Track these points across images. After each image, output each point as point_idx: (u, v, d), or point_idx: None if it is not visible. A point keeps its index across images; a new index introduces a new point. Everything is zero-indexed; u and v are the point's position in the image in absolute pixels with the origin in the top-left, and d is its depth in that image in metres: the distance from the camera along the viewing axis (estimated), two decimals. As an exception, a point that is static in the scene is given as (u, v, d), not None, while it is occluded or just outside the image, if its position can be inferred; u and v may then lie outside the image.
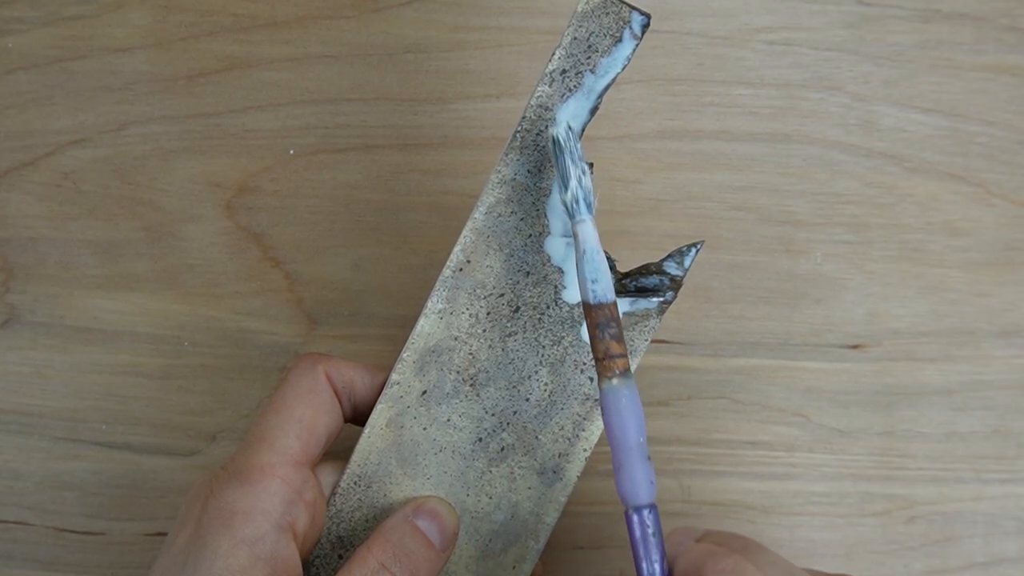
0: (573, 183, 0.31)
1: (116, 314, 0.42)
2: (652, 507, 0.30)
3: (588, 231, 0.31)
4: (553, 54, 0.33)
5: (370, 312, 0.42)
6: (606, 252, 0.34)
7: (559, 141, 0.31)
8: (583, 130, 0.33)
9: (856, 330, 0.42)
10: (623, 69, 0.33)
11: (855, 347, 0.42)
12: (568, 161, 0.31)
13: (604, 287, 0.31)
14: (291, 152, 0.42)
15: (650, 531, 0.30)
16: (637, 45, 0.32)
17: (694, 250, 0.34)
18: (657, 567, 0.30)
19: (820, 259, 0.42)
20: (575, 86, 0.33)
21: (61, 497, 0.42)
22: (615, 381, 0.30)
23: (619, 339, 0.30)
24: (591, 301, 0.31)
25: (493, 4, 0.42)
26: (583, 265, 0.31)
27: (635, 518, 0.30)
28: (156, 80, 0.42)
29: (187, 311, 0.42)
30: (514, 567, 0.34)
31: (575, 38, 0.32)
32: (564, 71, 0.33)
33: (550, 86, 0.33)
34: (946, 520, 0.42)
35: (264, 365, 0.42)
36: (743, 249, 0.42)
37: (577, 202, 0.31)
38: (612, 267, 0.34)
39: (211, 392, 0.42)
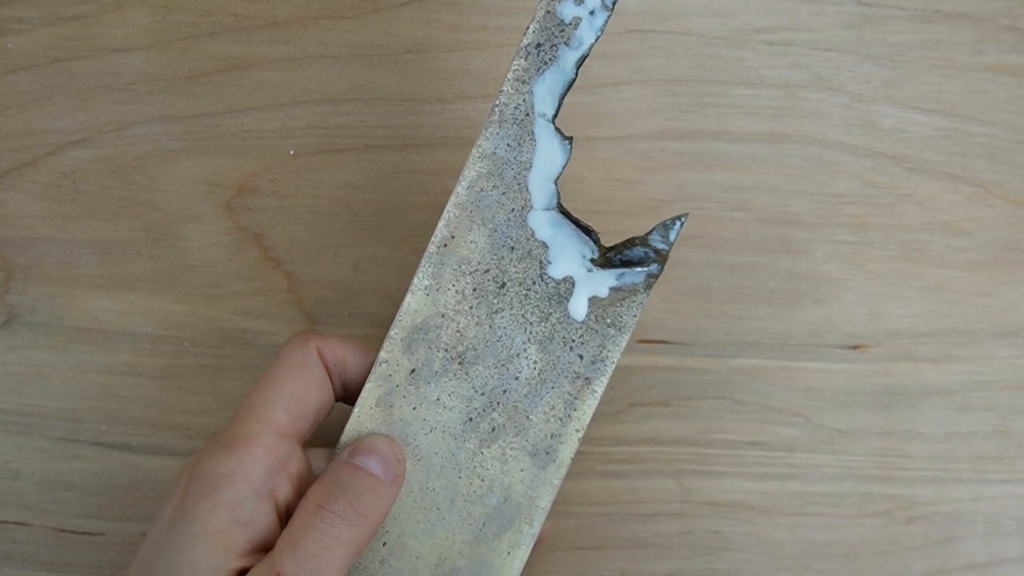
0: None
1: (116, 314, 0.42)
2: None
3: None
4: (527, 28, 0.33)
5: (370, 312, 0.42)
6: (588, 225, 0.34)
7: None
8: (561, 101, 0.33)
9: (856, 330, 0.42)
10: (596, 40, 0.33)
11: (855, 347, 0.42)
12: None
13: None
14: (291, 152, 0.42)
15: None
16: (609, 16, 0.33)
17: (679, 223, 0.34)
18: None
19: (820, 259, 0.42)
20: (551, 59, 0.33)
21: (61, 497, 0.42)
22: None
23: None
24: None
25: (493, 4, 0.42)
26: None
27: None
28: (156, 80, 0.42)
29: (187, 311, 0.42)
30: (509, 552, 0.34)
31: (548, 11, 0.33)
32: (539, 44, 0.33)
33: (526, 59, 0.33)
34: (946, 520, 0.42)
35: (264, 365, 0.42)
36: (743, 249, 0.42)
37: None
38: (596, 240, 0.34)
39: (211, 392, 0.42)
